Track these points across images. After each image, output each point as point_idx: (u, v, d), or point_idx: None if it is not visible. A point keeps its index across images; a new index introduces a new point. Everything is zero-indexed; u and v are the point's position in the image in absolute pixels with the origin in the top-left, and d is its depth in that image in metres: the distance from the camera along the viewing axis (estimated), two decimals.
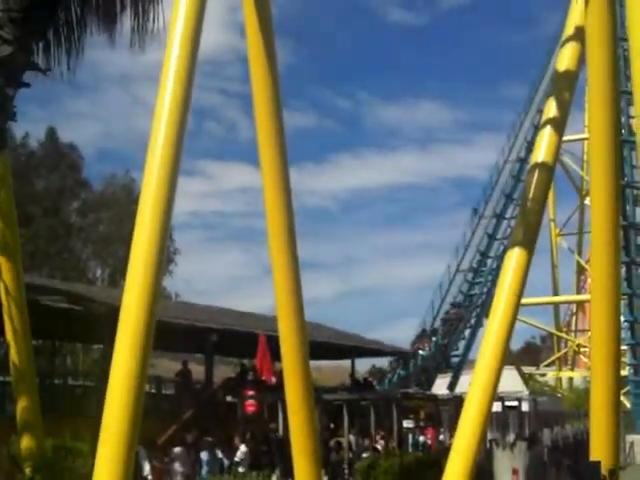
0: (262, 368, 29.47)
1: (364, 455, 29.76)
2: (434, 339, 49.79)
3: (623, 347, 31.56)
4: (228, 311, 38.97)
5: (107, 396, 11.63)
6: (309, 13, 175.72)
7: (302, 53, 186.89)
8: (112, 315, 12.42)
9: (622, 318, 30.43)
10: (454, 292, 51.45)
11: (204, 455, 26.32)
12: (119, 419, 11.45)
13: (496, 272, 42.03)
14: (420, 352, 48.37)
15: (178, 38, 12.40)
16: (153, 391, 30.54)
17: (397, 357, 47.43)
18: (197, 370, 35.37)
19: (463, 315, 50.61)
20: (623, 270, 31.42)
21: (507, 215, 52.10)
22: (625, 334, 32.51)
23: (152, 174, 12.08)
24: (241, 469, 25.75)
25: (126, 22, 11.02)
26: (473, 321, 51.00)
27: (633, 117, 11.74)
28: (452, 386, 49.00)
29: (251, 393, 29.24)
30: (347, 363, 42.36)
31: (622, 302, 29.95)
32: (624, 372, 33.14)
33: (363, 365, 52.10)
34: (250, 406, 28.99)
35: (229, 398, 29.97)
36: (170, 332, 24.20)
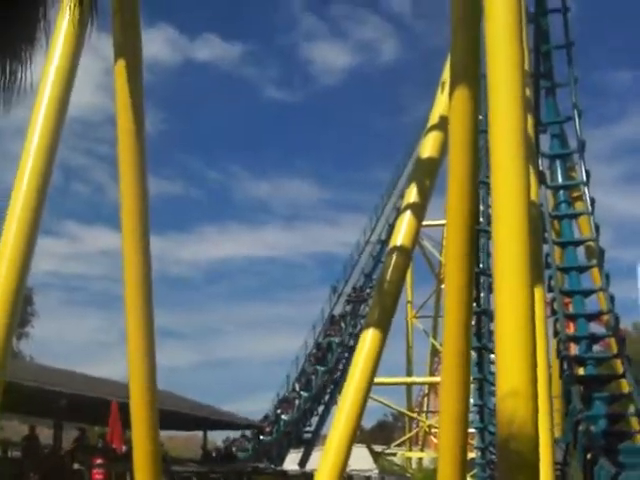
0: (113, 436, 28.77)
1: None
2: (343, 325, 52.34)
3: (471, 430, 31.85)
4: (81, 376, 37.96)
5: None
6: (185, 84, 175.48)
7: (175, 123, 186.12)
8: None
9: (472, 402, 30.77)
10: (310, 368, 51.66)
11: None
12: None
13: (352, 350, 42.34)
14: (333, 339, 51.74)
15: (47, 94, 12.19)
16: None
17: (251, 430, 47.11)
18: (47, 434, 34.28)
19: (365, 297, 51.10)
20: (475, 355, 31.83)
21: (366, 294, 52.72)
22: (473, 417, 32.77)
23: (10, 231, 11.74)
24: None
25: None
26: (327, 397, 51.17)
27: (490, 207, 11.97)
28: (303, 462, 48.82)
29: (99, 461, 28.47)
30: (201, 434, 41.78)
31: (472, 386, 30.30)
32: (472, 454, 33.41)
33: (217, 437, 51.45)
34: (98, 474, 28.20)
35: (77, 466, 29.11)
36: (20, 394, 23.39)
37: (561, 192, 28.55)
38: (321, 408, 51.17)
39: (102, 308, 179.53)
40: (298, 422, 49.73)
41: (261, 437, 47.12)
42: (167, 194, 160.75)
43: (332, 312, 54.08)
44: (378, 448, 72.02)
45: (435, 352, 70.54)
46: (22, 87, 11.34)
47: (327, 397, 51.09)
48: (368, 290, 52.05)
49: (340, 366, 50.89)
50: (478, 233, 28.90)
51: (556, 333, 26.19)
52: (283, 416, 48.63)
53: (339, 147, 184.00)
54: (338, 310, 54.42)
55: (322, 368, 50.95)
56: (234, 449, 45.60)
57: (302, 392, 49.90)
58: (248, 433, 46.39)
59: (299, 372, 51.47)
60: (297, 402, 49.51)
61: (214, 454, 41.53)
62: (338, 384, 47.59)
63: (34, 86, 12.11)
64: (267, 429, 47.79)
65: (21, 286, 11.67)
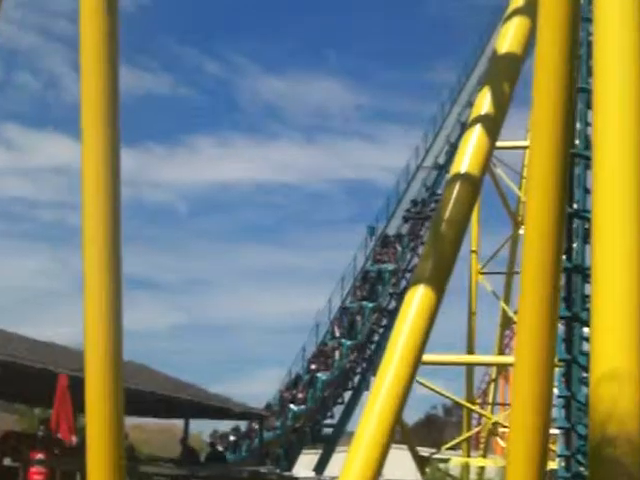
0: (59, 422, 29.07)
1: None
2: (399, 249, 52.85)
3: (554, 431, 32.01)
4: (18, 338, 38.38)
5: None
6: None
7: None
8: None
9: (556, 392, 30.88)
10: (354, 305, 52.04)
11: None
12: None
13: (393, 315, 42.50)
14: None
15: None
16: None
17: (250, 421, 47.46)
18: None
19: (428, 214, 51.48)
20: (562, 328, 31.89)
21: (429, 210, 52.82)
22: (557, 414, 32.86)
23: None
24: None
25: None
26: (356, 380, 51.46)
27: (591, 124, 11.88)
28: (321, 466, 49.24)
29: (39, 457, 28.81)
30: (181, 424, 42.15)
31: (557, 371, 30.41)
32: (552, 464, 33.63)
33: (203, 428, 52.05)
34: (37, 474, 28.56)
35: (8, 461, 29.53)
36: None
37: None
38: (348, 394, 51.55)
39: (50, 244, 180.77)
40: (342, 381, 50.32)
41: (293, 406, 47.79)
42: (147, 91, 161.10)
43: (385, 231, 54.23)
44: (424, 451, 72.64)
45: (507, 322, 70.70)
46: None
47: (357, 379, 51.45)
48: (433, 205, 51.80)
49: (376, 337, 51.26)
50: (573, 160, 28.82)
51: None
52: (319, 374, 49.17)
53: (383, 36, 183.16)
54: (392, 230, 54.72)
55: (370, 304, 51.26)
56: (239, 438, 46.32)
57: (343, 340, 50.45)
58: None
59: (339, 312, 51.94)
60: (337, 354, 50.02)
61: (206, 451, 42.06)
62: (373, 361, 47.90)
63: None
64: (300, 395, 48.45)
65: None
